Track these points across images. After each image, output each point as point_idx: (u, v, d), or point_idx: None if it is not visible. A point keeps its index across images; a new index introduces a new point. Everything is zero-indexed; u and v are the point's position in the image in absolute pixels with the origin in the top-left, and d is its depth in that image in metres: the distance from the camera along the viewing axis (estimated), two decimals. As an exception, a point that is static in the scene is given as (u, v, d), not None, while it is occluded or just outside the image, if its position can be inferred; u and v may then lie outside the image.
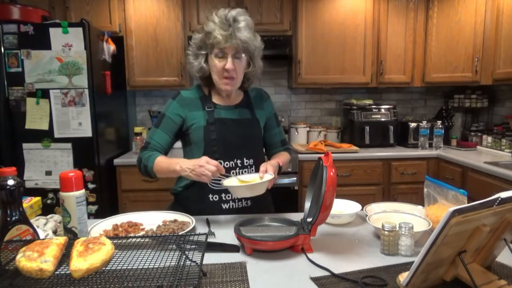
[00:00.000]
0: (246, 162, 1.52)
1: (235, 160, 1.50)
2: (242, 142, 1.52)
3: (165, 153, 1.54)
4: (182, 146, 1.61)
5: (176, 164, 1.38)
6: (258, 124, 1.59)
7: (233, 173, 1.50)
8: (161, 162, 1.45)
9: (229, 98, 1.57)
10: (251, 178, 1.42)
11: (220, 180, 1.38)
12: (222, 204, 1.51)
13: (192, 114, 1.52)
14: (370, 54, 3.29)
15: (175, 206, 1.59)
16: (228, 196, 1.51)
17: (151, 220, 1.37)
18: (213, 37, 1.40)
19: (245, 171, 1.52)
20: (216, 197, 1.51)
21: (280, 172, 1.56)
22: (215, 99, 1.56)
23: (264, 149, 1.70)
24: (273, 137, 1.69)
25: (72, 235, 1.14)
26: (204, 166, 1.31)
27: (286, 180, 2.94)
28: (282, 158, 1.62)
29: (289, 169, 2.92)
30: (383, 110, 3.36)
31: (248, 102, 1.60)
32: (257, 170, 1.51)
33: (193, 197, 1.52)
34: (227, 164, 1.49)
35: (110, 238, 1.02)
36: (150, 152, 1.50)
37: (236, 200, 1.52)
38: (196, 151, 1.51)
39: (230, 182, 1.39)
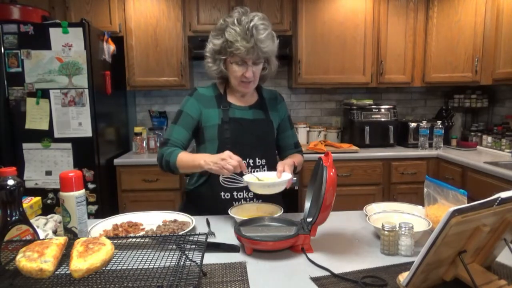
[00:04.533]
0: (259, 162, 1.54)
1: (247, 160, 1.51)
2: (255, 142, 1.53)
3: (185, 149, 1.54)
4: (196, 144, 1.62)
5: (200, 159, 1.38)
6: (271, 125, 1.61)
7: (245, 172, 1.50)
8: (185, 157, 1.45)
9: (244, 98, 1.60)
10: (268, 176, 1.43)
11: (234, 178, 1.40)
12: (234, 202, 1.52)
13: (207, 111, 1.54)
14: (370, 54, 3.29)
15: (187, 204, 1.62)
16: (240, 195, 1.52)
17: (151, 220, 1.37)
18: (235, 48, 1.41)
19: (257, 171, 1.52)
20: (228, 195, 1.52)
21: (295, 172, 1.56)
22: (230, 99, 1.58)
23: (276, 151, 1.70)
24: (286, 140, 1.70)
25: (72, 235, 1.14)
26: (226, 160, 1.31)
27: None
28: (296, 159, 1.62)
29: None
30: (383, 110, 3.36)
31: (263, 103, 1.62)
32: (269, 170, 1.53)
33: (205, 195, 1.54)
34: None
35: (110, 238, 1.02)
36: (171, 148, 1.50)
37: (248, 199, 1.53)
38: (210, 149, 1.52)
39: (248, 178, 1.39)
